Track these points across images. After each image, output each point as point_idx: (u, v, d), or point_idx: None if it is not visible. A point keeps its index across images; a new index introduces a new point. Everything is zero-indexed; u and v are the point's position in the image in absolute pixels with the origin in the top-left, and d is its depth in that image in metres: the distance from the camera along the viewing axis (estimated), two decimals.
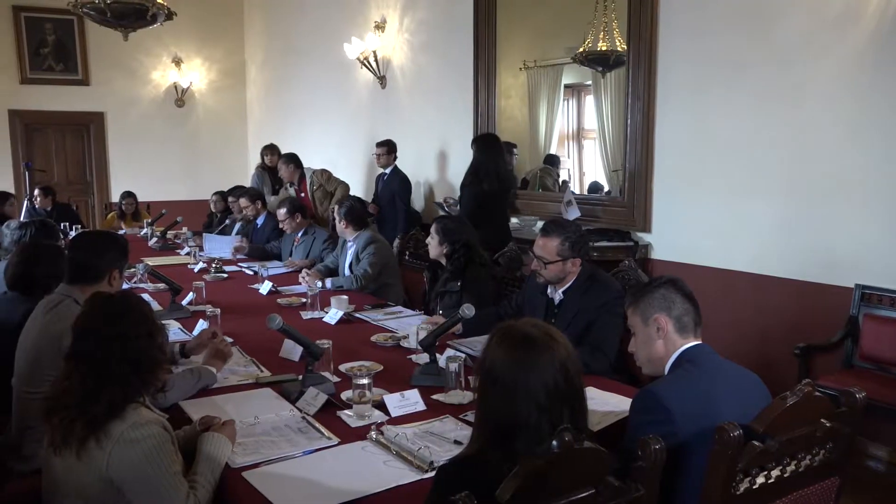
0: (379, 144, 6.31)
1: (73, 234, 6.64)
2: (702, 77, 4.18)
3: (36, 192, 7.67)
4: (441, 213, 4.78)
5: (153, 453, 1.74)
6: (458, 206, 4.94)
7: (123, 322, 1.83)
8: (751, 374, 1.89)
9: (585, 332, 2.79)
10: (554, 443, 1.32)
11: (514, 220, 5.51)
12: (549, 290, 2.99)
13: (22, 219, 6.29)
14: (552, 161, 5.93)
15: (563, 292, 2.93)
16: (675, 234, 4.40)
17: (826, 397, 1.67)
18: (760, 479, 1.58)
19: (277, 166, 7.12)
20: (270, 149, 7.95)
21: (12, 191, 8.92)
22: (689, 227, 4.31)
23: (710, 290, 3.75)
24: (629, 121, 4.58)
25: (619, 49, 4.86)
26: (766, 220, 3.92)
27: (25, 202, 7.68)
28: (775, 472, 1.61)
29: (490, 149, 5.13)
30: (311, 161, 8.79)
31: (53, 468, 1.81)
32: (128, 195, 8.17)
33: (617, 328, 2.81)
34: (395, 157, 6.28)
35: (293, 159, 6.97)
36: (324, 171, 6.98)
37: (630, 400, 2.30)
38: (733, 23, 3.99)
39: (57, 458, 1.77)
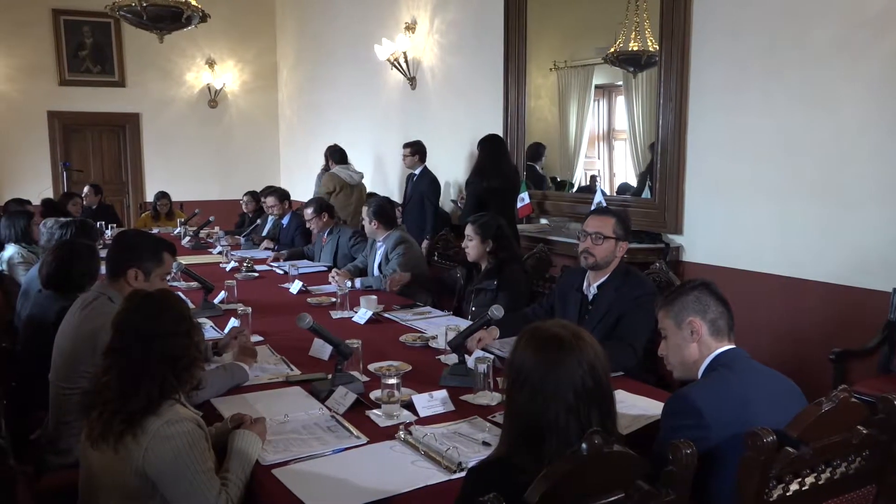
0: (405, 146, 6.33)
1: (109, 233, 6.78)
2: (736, 78, 4.12)
3: (86, 189, 7.85)
4: (365, 206, 4.75)
5: (187, 450, 1.77)
6: (372, 204, 4.86)
7: (162, 320, 1.86)
8: (786, 380, 1.86)
9: (616, 326, 2.78)
10: (583, 446, 1.31)
11: (542, 221, 5.49)
12: (584, 286, 2.98)
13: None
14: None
15: (598, 287, 2.92)
16: (708, 237, 4.35)
17: (862, 404, 1.64)
18: (794, 487, 1.56)
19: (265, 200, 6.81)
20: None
21: (51, 190, 9.16)
22: (722, 229, 4.25)
23: (743, 293, 3.70)
24: (661, 122, 4.53)
25: (650, 49, 4.81)
26: (801, 223, 3.85)
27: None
28: (810, 480, 1.57)
29: (493, 148, 5.27)
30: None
31: (91, 462, 1.85)
32: (162, 195, 8.31)
33: (647, 324, 2.78)
34: (423, 159, 6.28)
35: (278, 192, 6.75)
36: (329, 173, 6.94)
37: (660, 403, 2.29)
38: (769, 23, 3.93)
39: (94, 452, 1.81)
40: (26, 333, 3.11)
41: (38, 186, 8.84)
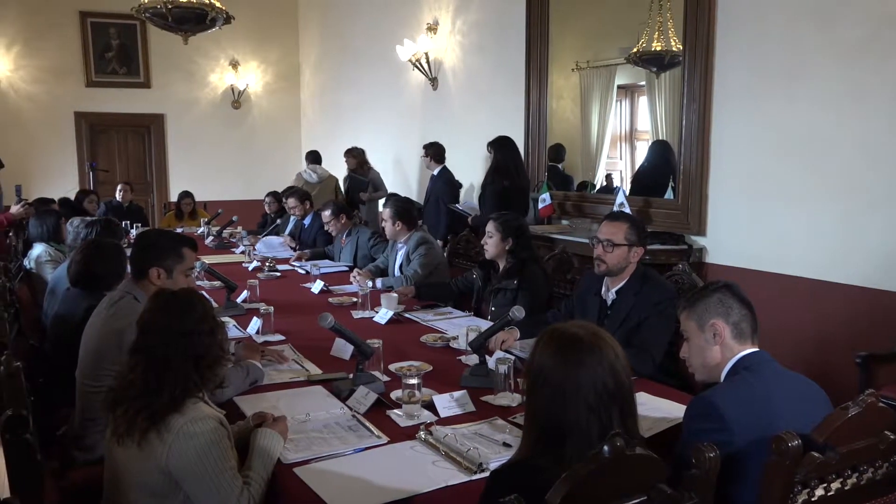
0: (423, 147, 6.39)
1: (134, 232, 6.87)
2: (761, 77, 4.08)
3: (120, 186, 8.00)
4: (386, 207, 4.79)
5: (210, 448, 1.78)
6: (477, 208, 4.89)
7: (187, 318, 1.89)
8: (811, 384, 1.84)
9: (635, 331, 2.76)
10: (605, 448, 1.31)
11: (564, 222, 5.47)
12: (602, 291, 2.96)
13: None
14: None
15: (617, 292, 2.90)
16: (731, 238, 4.30)
17: (890, 408, 1.61)
18: (819, 492, 1.53)
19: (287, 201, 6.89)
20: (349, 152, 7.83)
21: (76, 190, 9.29)
22: (746, 230, 4.21)
23: (767, 295, 3.65)
24: (684, 122, 4.50)
25: (674, 49, 4.77)
26: (827, 224, 3.80)
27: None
28: (835, 485, 1.55)
29: (507, 149, 5.38)
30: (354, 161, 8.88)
31: (115, 458, 1.87)
32: (186, 195, 8.41)
33: (666, 330, 2.77)
34: (440, 160, 6.28)
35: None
36: (297, 174, 7.29)
37: (683, 406, 2.27)
38: (794, 21, 3.88)
39: (119, 449, 1.83)
40: (54, 331, 3.16)
41: (65, 186, 8.98)
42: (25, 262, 4.76)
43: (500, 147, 5.42)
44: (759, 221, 4.14)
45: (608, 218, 2.99)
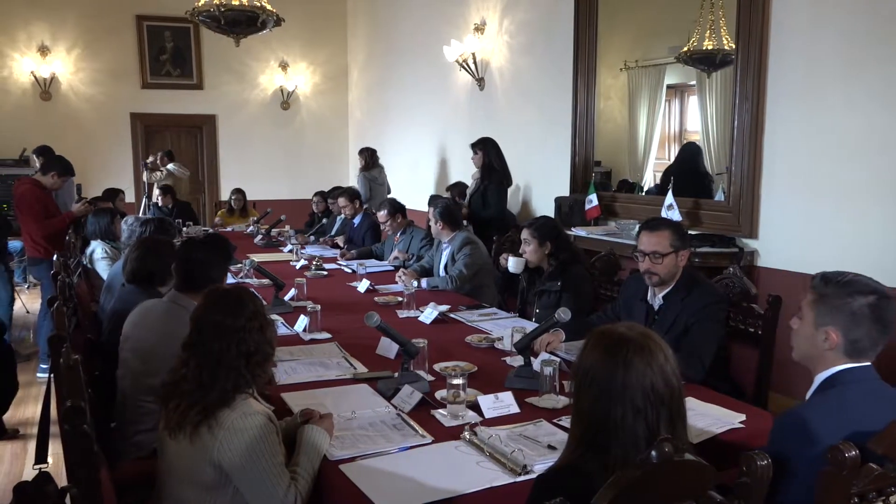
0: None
1: (186, 230, 7.03)
2: (816, 76, 3.96)
3: (156, 191, 8.17)
4: (432, 207, 4.83)
5: (258, 443, 1.82)
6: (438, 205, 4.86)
7: (239, 316, 1.92)
8: None
9: (683, 336, 2.71)
10: (653, 453, 1.29)
11: (611, 224, 5.41)
12: (649, 296, 2.92)
13: (140, 215, 6.71)
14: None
15: (664, 297, 2.85)
16: (785, 241, 4.19)
17: None
18: None
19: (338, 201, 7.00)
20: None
21: (132, 189, 9.56)
22: (801, 233, 4.09)
23: None
24: (736, 122, 4.40)
25: (726, 48, 4.68)
26: (886, 227, 3.67)
27: (144, 199, 8.18)
28: (894, 498, 1.50)
29: (492, 148, 5.87)
30: (405, 161, 8.95)
31: (167, 451, 1.92)
32: (237, 191, 8.59)
33: (715, 335, 2.71)
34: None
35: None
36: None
37: (733, 413, 2.23)
38: (852, 18, 3.76)
39: (171, 442, 1.88)
40: (110, 326, 3.26)
41: (120, 185, 9.23)
42: (83, 259, 4.92)
43: (486, 147, 5.81)
44: (814, 224, 4.02)
45: (646, 228, 2.88)
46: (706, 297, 2.76)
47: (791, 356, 1.88)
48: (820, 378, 1.75)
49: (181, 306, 2.55)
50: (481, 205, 5.80)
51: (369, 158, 8.27)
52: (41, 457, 2.38)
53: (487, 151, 5.81)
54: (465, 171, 7.54)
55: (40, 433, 2.47)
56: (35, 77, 9.51)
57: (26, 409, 4.48)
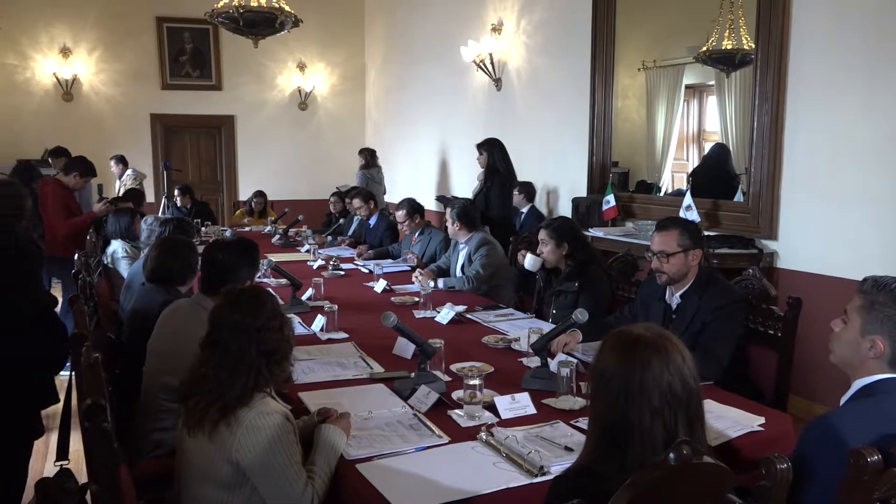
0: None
1: (205, 230, 7.08)
2: (839, 76, 3.92)
3: (175, 191, 8.25)
4: (449, 208, 4.83)
5: (276, 442, 1.83)
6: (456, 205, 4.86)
7: (259, 315, 1.94)
8: None
9: (699, 334, 2.70)
10: (671, 455, 1.28)
11: (629, 225, 5.38)
12: (666, 295, 2.91)
13: (160, 214, 6.78)
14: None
15: (681, 296, 2.84)
16: (805, 243, 4.15)
17: None
18: None
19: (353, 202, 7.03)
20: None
21: (152, 188, 9.66)
22: (821, 235, 4.05)
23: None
24: (756, 123, 4.37)
25: (745, 47, 4.64)
26: None
27: (164, 199, 8.26)
28: None
29: (497, 149, 5.81)
30: (421, 162, 8.97)
31: (186, 449, 1.94)
32: (259, 194, 8.65)
33: (733, 334, 2.70)
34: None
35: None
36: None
37: (752, 416, 2.21)
38: (876, 17, 3.72)
39: (190, 440, 1.90)
40: (129, 325, 3.29)
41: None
42: (104, 258, 4.97)
43: (491, 148, 5.78)
44: (835, 226, 3.98)
45: (657, 229, 2.90)
46: (723, 296, 2.75)
47: (813, 360, 1.86)
48: (858, 385, 1.71)
49: (203, 308, 2.57)
50: (485, 206, 5.80)
51: (369, 157, 8.68)
52: (62, 453, 2.41)
53: (492, 153, 5.80)
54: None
55: (62, 430, 2.50)
56: (57, 78, 9.64)
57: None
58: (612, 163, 5.80)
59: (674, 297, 2.87)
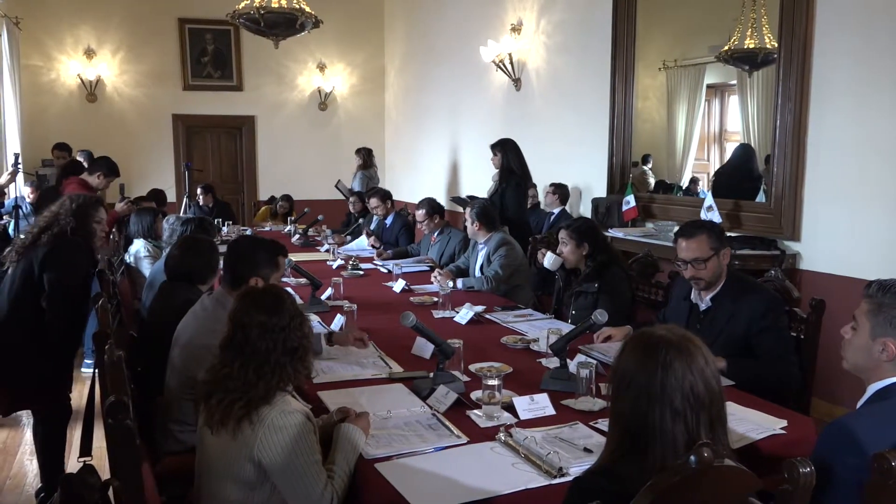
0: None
1: (225, 229, 7.14)
2: (864, 76, 3.87)
3: (198, 190, 8.34)
4: (468, 208, 4.81)
5: (297, 441, 1.84)
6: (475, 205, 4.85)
7: (280, 313, 1.95)
8: None
9: (744, 342, 2.68)
10: (692, 458, 1.27)
11: (649, 226, 5.35)
12: (692, 295, 2.88)
13: (181, 214, 6.85)
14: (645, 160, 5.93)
15: (712, 299, 2.81)
16: (829, 244, 4.10)
17: None
18: None
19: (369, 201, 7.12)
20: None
21: (173, 188, 9.75)
22: (845, 236, 4.00)
23: None
24: (778, 122, 4.32)
25: (768, 46, 4.59)
26: None
27: (185, 199, 8.34)
28: None
29: (511, 149, 5.69)
30: (440, 162, 8.96)
31: (208, 447, 1.95)
32: (286, 198, 8.71)
33: (789, 333, 2.73)
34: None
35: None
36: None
37: (774, 419, 2.19)
38: None
39: (212, 438, 1.91)
40: (150, 322, 3.32)
41: (162, 185, 9.40)
42: (126, 257, 5.03)
43: (504, 148, 5.66)
44: (859, 227, 3.93)
45: (683, 235, 2.83)
46: (761, 302, 2.72)
47: (836, 362, 1.84)
48: (873, 388, 1.70)
49: (223, 305, 2.59)
50: (500, 206, 5.77)
51: (367, 157, 8.87)
52: (86, 450, 2.44)
53: (506, 153, 5.71)
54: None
55: (85, 427, 2.54)
56: (81, 79, 9.77)
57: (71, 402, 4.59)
58: (632, 163, 5.77)
59: (703, 300, 2.85)
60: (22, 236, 3.43)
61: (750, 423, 2.15)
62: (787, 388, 2.62)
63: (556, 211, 6.24)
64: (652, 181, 5.86)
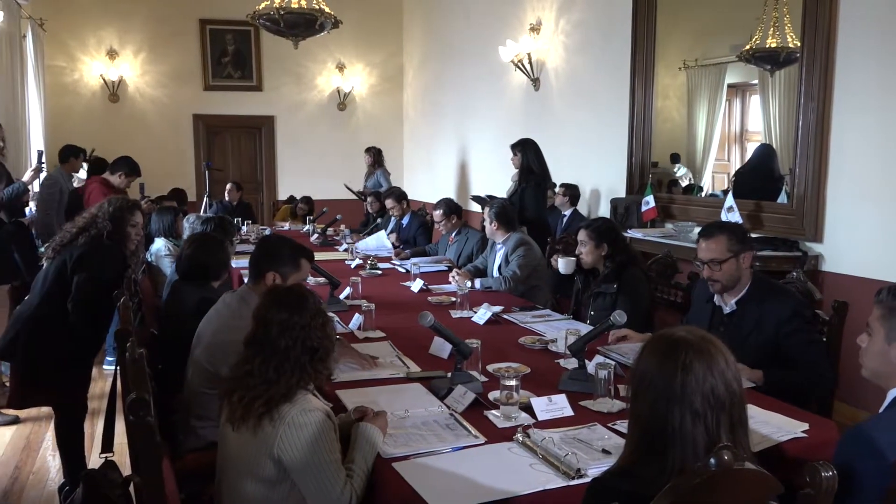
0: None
1: (245, 229, 7.19)
2: (888, 74, 3.81)
3: (228, 185, 8.47)
4: (487, 208, 4.80)
5: (317, 439, 1.85)
6: (493, 205, 4.82)
7: (302, 312, 1.97)
8: None
9: (774, 346, 2.65)
10: (712, 461, 1.26)
11: (668, 226, 5.31)
12: (716, 298, 2.86)
13: (201, 213, 6.90)
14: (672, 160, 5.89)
15: (737, 302, 2.79)
16: (852, 245, 4.05)
17: None
18: None
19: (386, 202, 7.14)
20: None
21: (193, 188, 9.84)
22: (869, 237, 3.94)
23: None
24: (801, 122, 4.27)
25: (790, 45, 4.55)
26: None
27: (206, 198, 8.41)
28: None
29: (536, 150, 5.72)
30: (458, 162, 8.96)
31: (229, 444, 1.97)
32: (306, 201, 8.75)
33: (820, 341, 2.70)
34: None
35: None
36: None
37: (796, 422, 2.17)
38: None
39: (233, 434, 1.93)
40: (165, 318, 3.36)
41: (182, 184, 9.48)
42: (147, 256, 5.08)
43: (525, 148, 5.69)
44: (883, 228, 3.87)
45: (702, 236, 2.82)
46: (786, 305, 2.69)
47: (859, 366, 1.81)
48: (893, 393, 1.68)
49: (246, 302, 2.61)
50: (519, 207, 5.76)
51: (378, 156, 8.90)
52: (107, 446, 2.47)
53: (526, 153, 5.71)
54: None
55: (107, 423, 2.57)
56: (104, 80, 9.89)
57: (93, 400, 4.64)
58: (651, 163, 5.73)
59: (727, 303, 2.82)
60: (60, 234, 3.49)
61: (771, 426, 2.13)
62: (822, 393, 2.60)
63: (567, 212, 6.22)
64: (684, 182, 5.81)
